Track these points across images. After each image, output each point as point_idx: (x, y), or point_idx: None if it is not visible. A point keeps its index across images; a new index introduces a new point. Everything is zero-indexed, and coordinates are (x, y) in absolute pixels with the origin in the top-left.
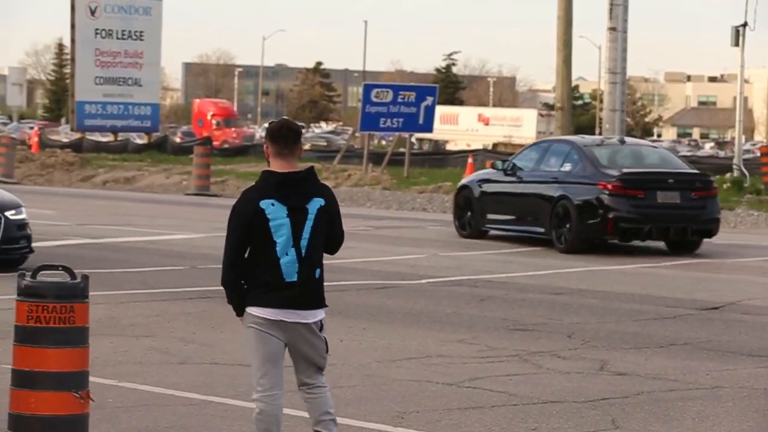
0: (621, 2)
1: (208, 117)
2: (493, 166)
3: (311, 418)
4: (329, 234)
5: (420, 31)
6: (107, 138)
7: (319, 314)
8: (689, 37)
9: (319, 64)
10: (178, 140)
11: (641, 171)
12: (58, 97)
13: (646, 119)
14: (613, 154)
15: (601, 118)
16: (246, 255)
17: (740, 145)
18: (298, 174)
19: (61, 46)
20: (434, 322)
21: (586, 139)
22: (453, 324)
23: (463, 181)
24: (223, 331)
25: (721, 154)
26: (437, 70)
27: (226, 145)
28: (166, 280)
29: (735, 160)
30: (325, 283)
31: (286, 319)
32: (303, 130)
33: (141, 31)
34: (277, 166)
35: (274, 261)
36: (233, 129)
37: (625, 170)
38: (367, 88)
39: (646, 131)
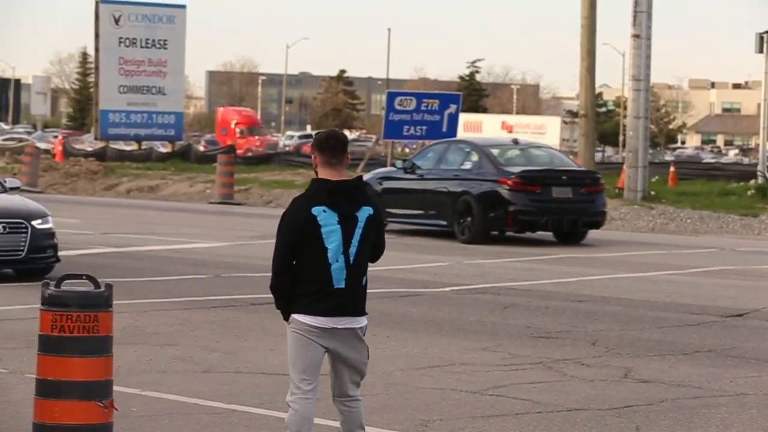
0: (645, 9)
1: (232, 125)
2: (393, 165)
3: (343, 429)
4: (374, 243)
5: (443, 39)
6: (131, 147)
7: (364, 320)
8: (713, 44)
9: (342, 72)
10: (201, 149)
11: (538, 169)
12: (82, 106)
13: (670, 126)
14: (510, 153)
15: (624, 125)
16: (294, 262)
17: (764, 151)
18: (348, 182)
19: (85, 55)
20: (457, 330)
21: (483, 140)
22: (476, 332)
23: (363, 178)
24: (246, 340)
25: (746, 161)
26: (461, 77)
27: (250, 154)
28: (190, 289)
29: (759, 167)
30: None
31: (337, 326)
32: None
33: (165, 40)
34: (326, 174)
35: (325, 267)
36: (257, 137)
37: (522, 168)
38: (391, 96)
39: (670, 138)
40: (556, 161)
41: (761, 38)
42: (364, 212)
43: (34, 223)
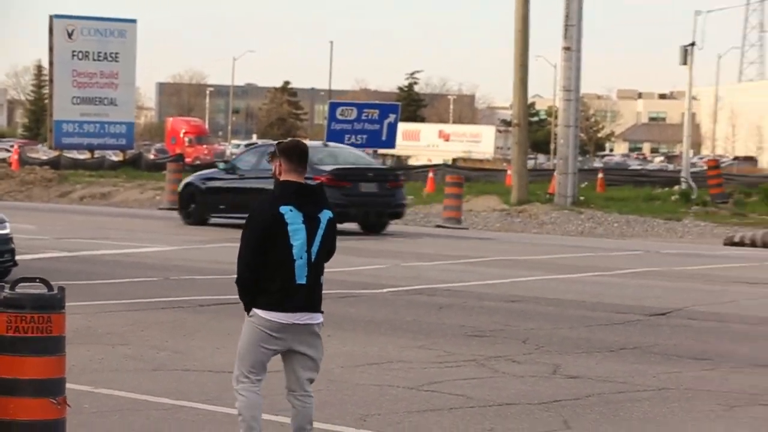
0: (575, 23)
1: (181, 135)
2: (216, 167)
3: (294, 424)
4: (329, 244)
5: (384, 51)
6: (84, 155)
7: (321, 317)
8: (640, 56)
9: (286, 83)
10: (151, 157)
11: (347, 167)
12: (37, 117)
13: (599, 134)
14: (321, 154)
15: (556, 134)
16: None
17: (688, 158)
18: (310, 186)
19: (39, 68)
20: (395, 329)
21: None
22: (413, 331)
23: (187, 179)
24: (194, 339)
25: (670, 167)
26: (400, 88)
27: (198, 162)
28: (140, 291)
29: (683, 173)
30: None
31: (298, 322)
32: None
33: (116, 53)
34: (290, 178)
35: (290, 263)
36: (205, 146)
37: (334, 166)
38: (333, 106)
39: (598, 146)
40: (361, 160)
41: (685, 51)
42: (326, 215)
43: None
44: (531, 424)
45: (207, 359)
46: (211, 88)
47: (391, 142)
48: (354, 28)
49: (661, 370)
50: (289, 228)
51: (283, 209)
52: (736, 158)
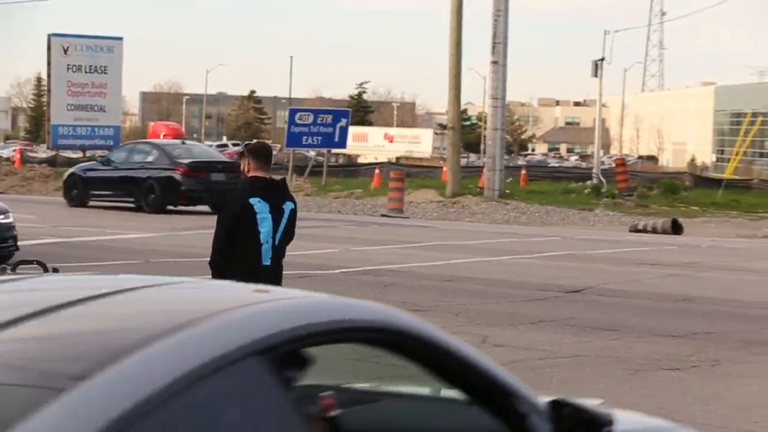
0: (501, 41)
1: (161, 137)
2: (95, 160)
3: None
4: (290, 231)
5: (337, 65)
6: (77, 154)
7: None
8: (558, 68)
9: (252, 92)
10: None
11: (201, 160)
12: (37, 121)
13: (522, 137)
14: (179, 150)
15: (485, 136)
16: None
17: (598, 157)
18: (276, 181)
19: (39, 79)
20: None
21: (160, 141)
22: None
23: (71, 170)
24: None
25: (584, 165)
26: (350, 96)
27: None
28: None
29: (594, 170)
30: None
31: None
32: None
33: (105, 66)
34: (258, 174)
35: (257, 247)
36: None
37: (190, 159)
38: (292, 112)
39: (522, 146)
40: (211, 155)
41: (596, 65)
42: (288, 206)
43: None
44: None
45: None
46: (188, 97)
47: (342, 143)
48: (312, 44)
49: (575, 340)
50: (258, 217)
51: (252, 200)
52: (640, 157)
